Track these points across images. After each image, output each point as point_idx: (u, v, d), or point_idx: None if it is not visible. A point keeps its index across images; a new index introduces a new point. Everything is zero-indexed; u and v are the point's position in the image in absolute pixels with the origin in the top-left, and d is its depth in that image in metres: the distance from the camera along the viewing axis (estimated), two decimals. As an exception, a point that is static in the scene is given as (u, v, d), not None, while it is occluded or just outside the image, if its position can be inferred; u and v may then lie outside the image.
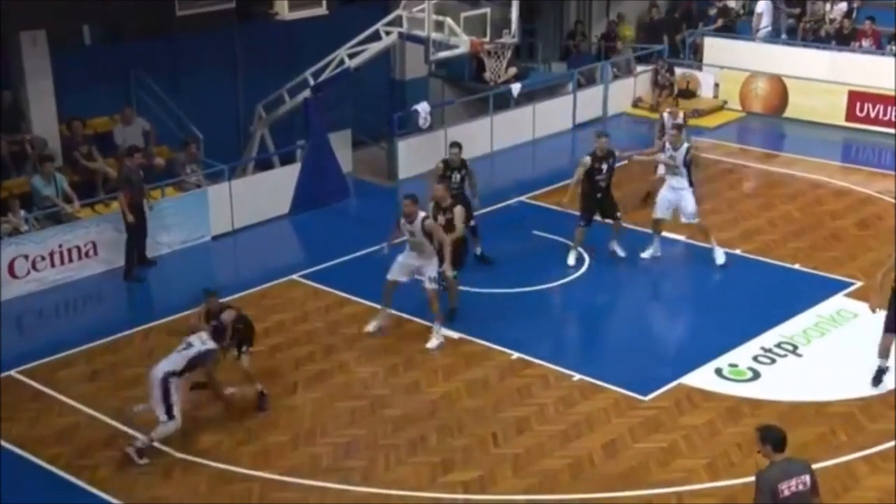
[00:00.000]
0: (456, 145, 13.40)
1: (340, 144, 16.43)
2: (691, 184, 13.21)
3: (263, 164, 16.15)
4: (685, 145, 13.16)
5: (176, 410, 9.48)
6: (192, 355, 9.65)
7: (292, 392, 10.77)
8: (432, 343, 11.49)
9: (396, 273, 11.63)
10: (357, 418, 10.31)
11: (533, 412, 10.32)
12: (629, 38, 21.39)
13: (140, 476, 9.37)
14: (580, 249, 13.44)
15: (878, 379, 10.49)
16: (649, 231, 13.53)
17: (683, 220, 13.29)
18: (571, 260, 13.38)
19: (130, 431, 9.83)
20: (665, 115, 15.36)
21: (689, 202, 13.14)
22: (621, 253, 13.44)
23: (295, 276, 13.34)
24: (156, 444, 9.56)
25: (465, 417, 10.27)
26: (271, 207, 15.20)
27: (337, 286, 12.98)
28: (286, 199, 15.39)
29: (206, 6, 14.38)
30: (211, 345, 9.79)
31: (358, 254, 13.79)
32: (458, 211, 12.11)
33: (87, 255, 13.30)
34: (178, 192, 14.53)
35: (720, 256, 13.21)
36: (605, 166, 13.07)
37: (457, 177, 13.20)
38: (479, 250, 13.47)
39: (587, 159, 13.06)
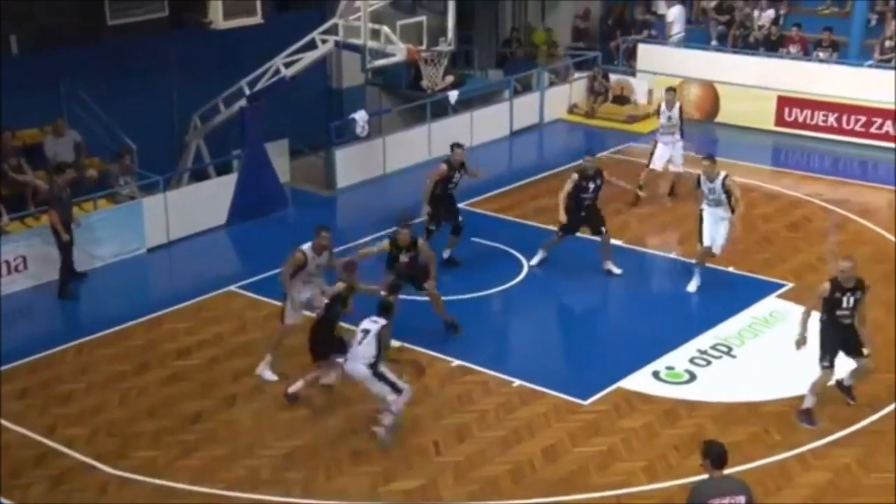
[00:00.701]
0: (459, 146, 13.54)
1: (277, 154, 16.33)
2: (732, 211, 12.71)
3: (199, 175, 15.99)
4: (721, 174, 12.69)
5: (400, 383, 9.74)
6: (375, 337, 9.62)
7: (231, 405, 10.66)
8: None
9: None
10: (297, 429, 10.23)
11: (474, 419, 10.35)
12: (545, 42, 21.48)
13: (73, 493, 9.20)
14: (545, 254, 13.40)
15: (807, 418, 10.13)
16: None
17: (713, 249, 12.81)
18: (535, 261, 13.40)
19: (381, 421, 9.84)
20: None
21: (722, 234, 12.75)
22: (617, 271, 13.24)
23: (233, 287, 13.21)
24: (90, 460, 9.39)
25: (406, 426, 10.25)
26: (208, 218, 15.05)
27: (276, 296, 12.78)
28: (223, 209, 15.25)
29: (138, 15, 14.20)
30: (382, 321, 9.74)
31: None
32: (426, 251, 11.61)
33: (16, 269, 13.03)
34: (112, 204, 14.30)
35: (693, 285, 12.90)
36: (591, 185, 12.96)
37: (457, 176, 13.37)
38: (447, 254, 13.47)
39: (575, 176, 12.98)
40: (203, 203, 15.04)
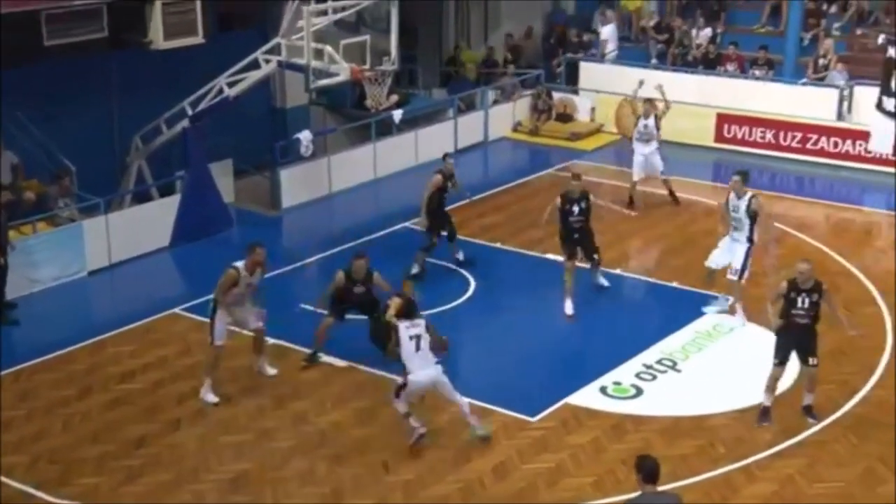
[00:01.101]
0: (450, 155, 14.10)
1: (221, 174, 16.20)
2: (751, 240, 12.29)
3: (141, 196, 15.79)
4: (749, 194, 12.30)
5: None
6: (426, 335, 9.83)
7: (175, 429, 10.51)
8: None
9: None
10: (243, 452, 10.11)
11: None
12: (473, 62, 21.61)
13: (15, 523, 8.99)
14: (570, 295, 12.81)
15: (764, 417, 10.44)
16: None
17: (728, 275, 12.48)
18: (569, 309, 12.78)
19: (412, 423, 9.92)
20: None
21: (738, 259, 12.29)
22: (605, 283, 13.24)
23: (177, 310, 13.05)
24: (30, 489, 9.23)
25: (354, 446, 10.20)
26: (151, 240, 14.86)
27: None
28: (166, 231, 15.07)
29: (76, 35, 13.99)
30: (420, 320, 9.93)
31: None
32: (382, 283, 11.49)
33: (-49, 295, 12.74)
34: (51, 226, 14.05)
35: (738, 321, 12.47)
36: (576, 208, 12.75)
37: (449, 185, 13.78)
38: (461, 255, 13.92)
39: (557, 200, 12.82)
40: (146, 225, 14.85)
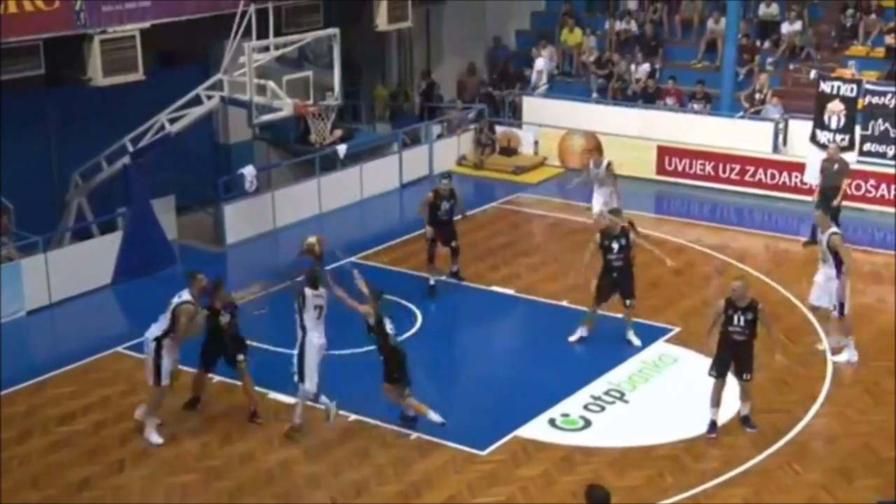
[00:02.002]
0: (447, 176, 14.42)
1: (164, 210, 16.03)
2: (839, 274, 12.12)
3: (82, 234, 15.54)
4: (830, 230, 12.24)
5: None
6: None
7: (119, 470, 10.31)
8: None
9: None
10: (189, 493, 9.95)
11: (371, 474, 10.24)
12: (382, 98, 21.73)
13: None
14: (585, 331, 12.75)
15: (712, 428, 10.81)
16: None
17: (833, 311, 12.39)
18: (575, 337, 12.75)
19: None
20: (591, 163, 16.12)
21: (833, 296, 12.22)
22: (637, 342, 12.74)
23: (120, 349, 12.84)
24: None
25: (302, 483, 10.09)
26: (92, 278, 14.63)
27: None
28: (107, 268, 14.86)
29: (13, 72, 13.79)
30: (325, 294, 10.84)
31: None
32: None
33: None
34: (-12, 265, 13.78)
35: (847, 355, 12.35)
36: (616, 245, 12.40)
37: (445, 206, 13.94)
38: (455, 268, 14.40)
39: (597, 236, 12.50)
40: (86, 263, 14.63)
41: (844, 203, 15.99)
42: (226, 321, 11.09)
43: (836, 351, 12.52)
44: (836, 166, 15.99)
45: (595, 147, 17.81)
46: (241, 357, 11.15)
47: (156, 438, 10.76)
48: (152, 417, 10.81)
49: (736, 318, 10.51)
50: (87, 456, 10.55)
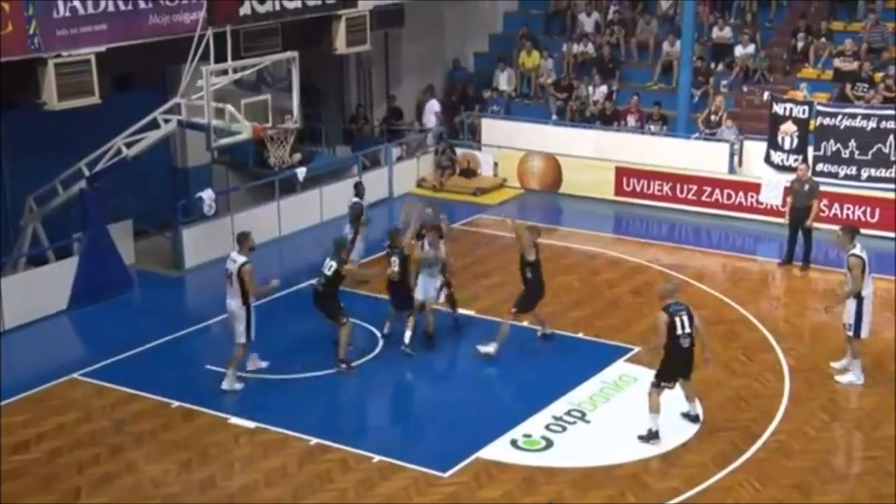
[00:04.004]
0: (430, 206, 14.26)
1: (121, 235, 15.88)
2: (858, 295, 12.09)
3: (37, 259, 15.32)
4: (850, 249, 12.16)
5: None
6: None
7: (75, 499, 10.14)
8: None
9: None
10: (148, 521, 9.81)
11: (333, 497, 10.17)
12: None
13: None
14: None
15: (655, 438, 11.00)
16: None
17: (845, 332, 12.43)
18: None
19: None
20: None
21: (850, 314, 12.23)
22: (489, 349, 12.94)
23: (76, 375, 12.66)
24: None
25: (263, 510, 9.98)
26: (47, 304, 14.43)
27: (123, 382, 12.41)
28: (63, 294, 14.66)
29: (-35, 96, 13.63)
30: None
31: (145, 347, 13.30)
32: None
33: None
34: (-59, 292, 13.53)
35: (852, 377, 12.38)
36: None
37: (422, 232, 13.72)
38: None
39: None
40: (41, 288, 14.43)
41: (820, 225, 16.19)
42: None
43: (841, 371, 12.56)
44: (806, 187, 16.21)
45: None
46: None
47: (238, 385, 12.08)
48: (234, 369, 12.08)
49: (678, 323, 10.74)
50: (43, 485, 10.37)
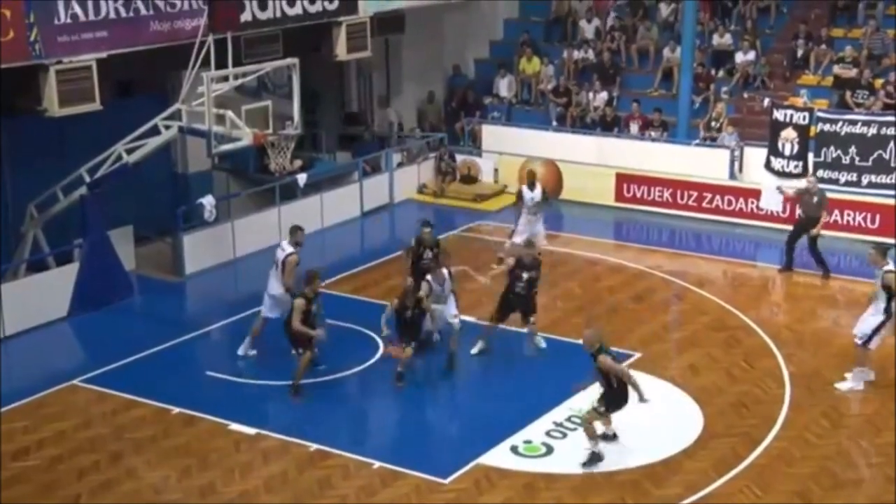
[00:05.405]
0: (428, 224, 14.10)
1: (122, 241, 15.88)
2: (887, 312, 12.01)
3: (37, 266, 15.33)
4: (886, 266, 12.09)
5: None
6: None
7: (76, 505, 10.14)
8: None
9: None
10: (148, 528, 9.80)
11: (333, 504, 10.16)
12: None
13: None
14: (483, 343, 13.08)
15: (593, 460, 10.74)
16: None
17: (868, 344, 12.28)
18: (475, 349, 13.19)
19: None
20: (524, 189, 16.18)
21: (868, 325, 12.18)
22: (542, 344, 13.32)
23: (76, 381, 12.66)
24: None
25: (263, 516, 9.98)
26: (48, 311, 14.43)
27: (123, 388, 12.42)
28: (64, 300, 14.66)
29: (-35, 103, 13.64)
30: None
31: (145, 353, 13.31)
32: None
33: None
34: (-59, 298, 13.54)
35: (852, 383, 12.38)
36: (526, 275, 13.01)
37: (429, 254, 13.66)
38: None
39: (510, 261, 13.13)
40: (42, 295, 14.43)
41: (823, 232, 16.14)
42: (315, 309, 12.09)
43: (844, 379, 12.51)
44: (815, 198, 16.16)
45: (533, 173, 17.43)
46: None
47: (252, 351, 12.81)
48: (251, 337, 12.89)
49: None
50: (43, 491, 10.36)
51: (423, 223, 14.26)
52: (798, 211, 16.58)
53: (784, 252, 16.41)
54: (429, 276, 12.97)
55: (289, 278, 12.72)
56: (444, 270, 12.99)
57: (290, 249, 12.87)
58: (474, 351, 13.34)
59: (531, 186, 16.31)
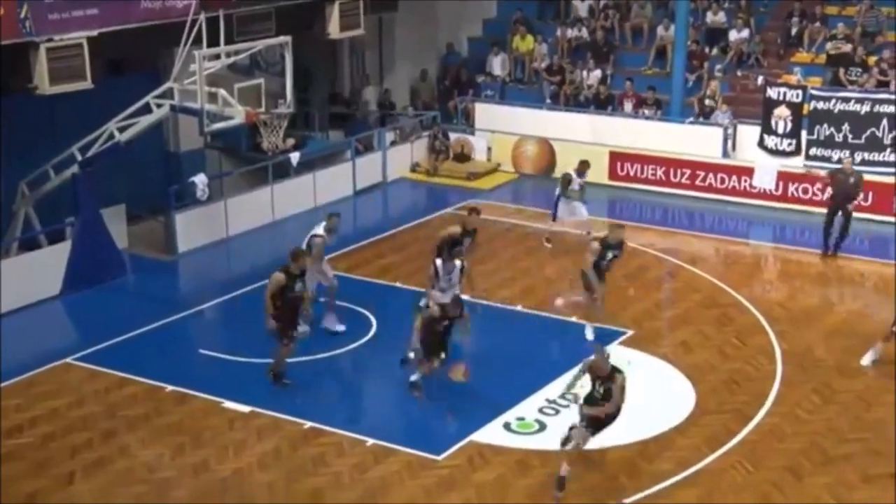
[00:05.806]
0: (476, 211, 13.95)
1: (114, 219, 15.84)
2: None
3: (29, 244, 15.29)
4: None
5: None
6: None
7: (69, 483, 10.14)
8: None
9: None
10: (142, 505, 9.82)
11: (327, 481, 10.19)
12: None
13: None
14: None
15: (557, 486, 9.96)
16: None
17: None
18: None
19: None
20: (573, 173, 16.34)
21: None
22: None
23: (69, 360, 12.65)
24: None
25: (257, 492, 10.02)
26: (40, 289, 14.41)
27: (116, 366, 12.42)
28: (56, 279, 14.64)
29: (-44, 81, 13.56)
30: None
31: (138, 331, 13.30)
32: None
33: None
34: (-67, 277, 13.51)
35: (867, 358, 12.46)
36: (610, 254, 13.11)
37: (467, 241, 13.57)
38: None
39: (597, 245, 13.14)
40: (34, 273, 14.40)
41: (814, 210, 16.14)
42: (300, 288, 11.77)
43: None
44: (851, 179, 16.07)
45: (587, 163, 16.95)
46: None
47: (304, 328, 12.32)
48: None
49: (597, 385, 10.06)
50: (36, 469, 10.38)
51: (470, 210, 13.88)
52: (828, 192, 16.36)
53: (822, 237, 16.14)
54: (438, 261, 12.77)
55: (311, 259, 12.65)
56: (458, 262, 12.74)
57: (317, 231, 13.03)
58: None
59: (581, 174, 16.40)
